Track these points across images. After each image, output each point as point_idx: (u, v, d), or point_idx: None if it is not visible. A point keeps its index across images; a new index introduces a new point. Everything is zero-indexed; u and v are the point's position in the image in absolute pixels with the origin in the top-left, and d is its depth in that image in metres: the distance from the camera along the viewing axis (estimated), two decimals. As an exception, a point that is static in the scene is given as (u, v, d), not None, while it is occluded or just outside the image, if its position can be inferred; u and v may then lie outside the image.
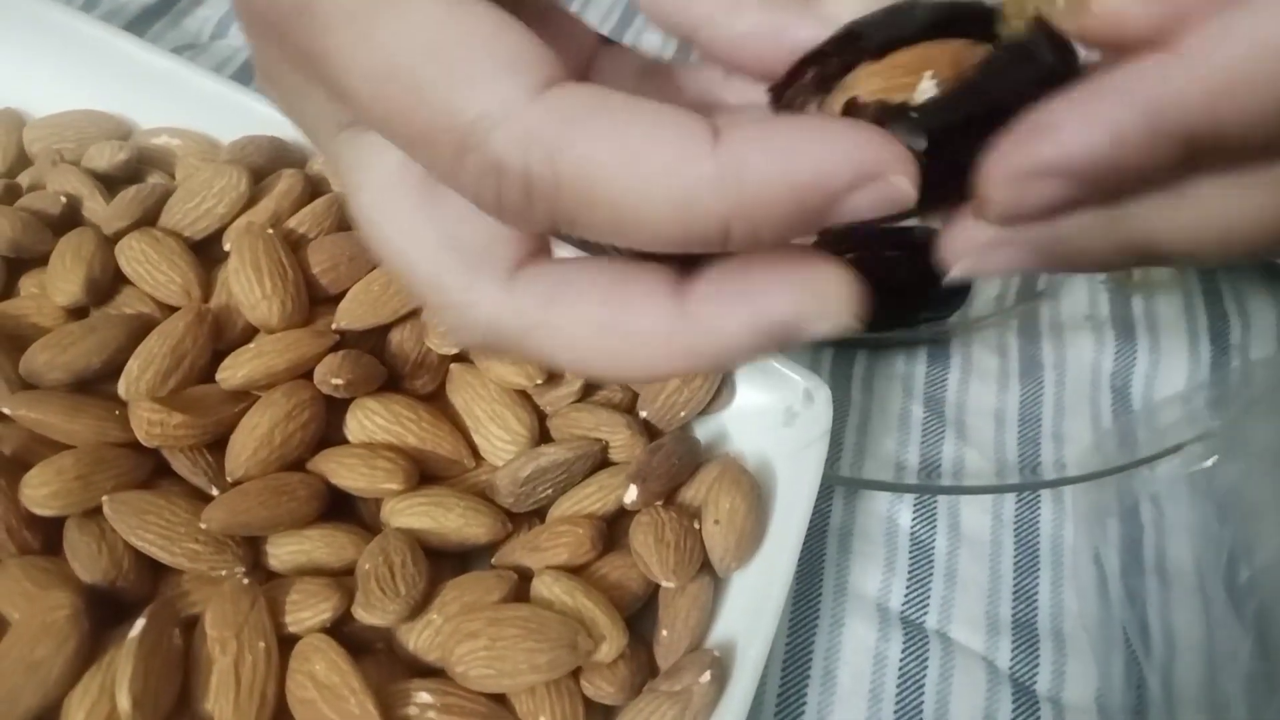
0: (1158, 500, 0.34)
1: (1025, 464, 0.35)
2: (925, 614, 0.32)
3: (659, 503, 0.28)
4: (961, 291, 0.38)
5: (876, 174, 0.14)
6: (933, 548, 0.33)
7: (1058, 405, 0.37)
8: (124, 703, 0.22)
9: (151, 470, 0.27)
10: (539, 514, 0.29)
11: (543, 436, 0.30)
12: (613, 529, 0.28)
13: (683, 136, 0.14)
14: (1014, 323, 0.40)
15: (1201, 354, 0.38)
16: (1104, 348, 0.38)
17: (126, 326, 0.28)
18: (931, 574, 0.32)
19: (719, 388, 0.31)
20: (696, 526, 0.28)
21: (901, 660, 0.30)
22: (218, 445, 0.27)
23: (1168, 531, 0.33)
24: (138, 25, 0.44)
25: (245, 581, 0.25)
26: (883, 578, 0.32)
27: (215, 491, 0.27)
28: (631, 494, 0.28)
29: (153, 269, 0.29)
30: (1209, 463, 0.33)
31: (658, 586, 0.27)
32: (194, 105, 0.35)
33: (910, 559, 0.33)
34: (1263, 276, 0.40)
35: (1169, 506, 0.34)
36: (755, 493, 0.28)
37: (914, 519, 0.33)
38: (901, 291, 0.36)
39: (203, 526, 0.25)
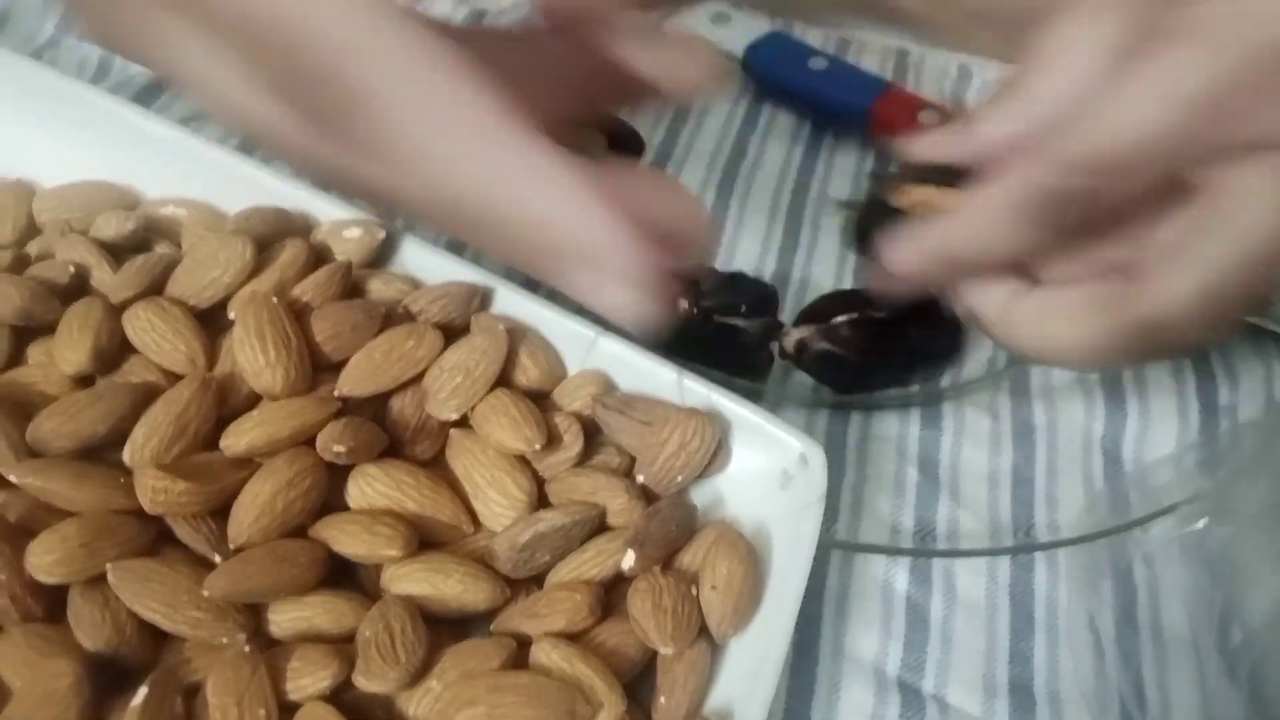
0: (1151, 562, 0.34)
1: (1019, 526, 0.35)
2: (922, 678, 0.32)
3: (656, 568, 0.28)
4: (952, 352, 0.38)
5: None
6: (928, 611, 0.33)
7: (1050, 467, 0.37)
8: (126, 771, 0.22)
9: (154, 537, 0.27)
10: (537, 580, 0.29)
11: (541, 501, 0.30)
12: (610, 594, 0.29)
13: None
14: (1005, 385, 0.40)
15: (1190, 416, 0.38)
16: (1094, 410, 0.39)
17: (132, 395, 0.29)
18: (927, 638, 0.32)
19: (715, 451, 0.31)
20: (694, 592, 0.28)
21: (899, 725, 0.31)
22: (220, 512, 0.28)
23: (1161, 593, 0.33)
24: (145, 96, 0.46)
25: (247, 649, 0.25)
26: (879, 641, 0.32)
27: (218, 558, 0.27)
28: (629, 559, 0.28)
29: (159, 338, 0.30)
30: (1200, 524, 0.33)
31: (655, 652, 0.27)
32: (200, 175, 0.36)
33: (907, 623, 0.33)
34: (1250, 338, 0.40)
35: (1162, 568, 0.34)
36: (752, 558, 0.29)
37: (910, 582, 0.34)
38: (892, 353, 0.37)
39: (205, 594, 0.25)
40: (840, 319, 0.37)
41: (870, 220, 0.32)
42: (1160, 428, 0.38)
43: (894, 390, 0.38)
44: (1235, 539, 0.29)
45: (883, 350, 0.37)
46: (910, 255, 0.28)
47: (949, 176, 0.29)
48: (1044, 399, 0.39)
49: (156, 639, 0.26)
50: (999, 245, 0.27)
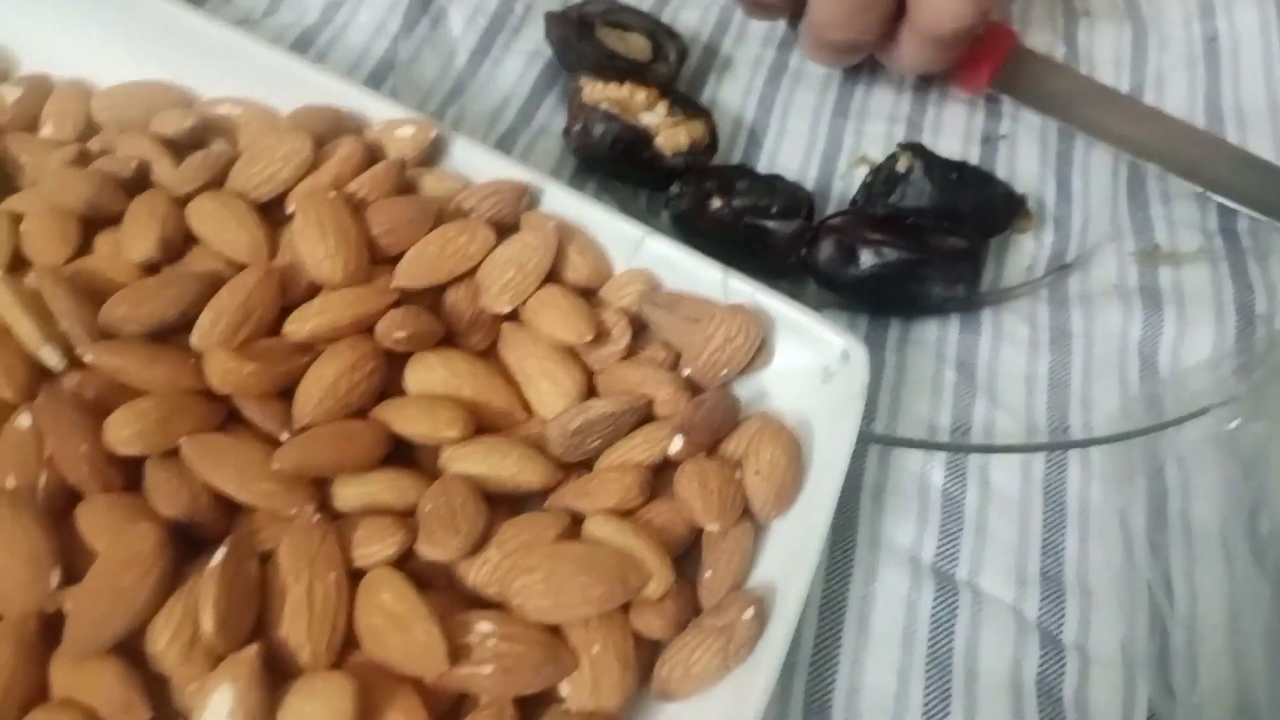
0: (1183, 462, 0.35)
1: (1054, 426, 0.36)
2: (956, 566, 0.33)
3: (702, 454, 0.30)
4: (971, 270, 0.39)
5: None
6: (963, 504, 0.34)
7: (1086, 371, 0.38)
8: (208, 624, 0.24)
9: (224, 416, 0.28)
10: (588, 464, 0.30)
11: (591, 393, 0.31)
12: (658, 478, 0.30)
13: None
14: (1044, 293, 0.41)
15: (1227, 324, 0.39)
16: (1132, 317, 0.39)
17: (199, 282, 0.30)
18: (962, 529, 0.34)
19: (759, 347, 0.32)
20: (738, 476, 0.29)
21: (934, 608, 0.32)
22: (286, 394, 0.29)
23: (1193, 492, 0.34)
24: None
25: (316, 518, 0.26)
26: (915, 531, 0.33)
27: (285, 436, 0.28)
28: (676, 444, 0.29)
29: (222, 228, 0.31)
30: (1233, 425, 0.34)
31: (701, 531, 0.29)
32: (253, 76, 0.36)
33: (942, 514, 0.34)
34: (1288, 249, 0.41)
35: (1194, 468, 0.35)
36: (794, 446, 0.30)
37: (946, 477, 0.35)
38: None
39: (275, 467, 0.27)
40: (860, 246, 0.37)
41: None
42: (1197, 334, 0.38)
43: (936, 289, 0.38)
44: (1269, 436, 0.29)
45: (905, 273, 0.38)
46: None
47: None
48: (1082, 306, 0.40)
49: (229, 510, 0.27)
50: None
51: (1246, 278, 0.40)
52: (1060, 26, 0.51)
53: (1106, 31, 0.50)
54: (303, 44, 0.45)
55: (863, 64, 0.49)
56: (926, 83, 0.48)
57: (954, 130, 0.47)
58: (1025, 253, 0.42)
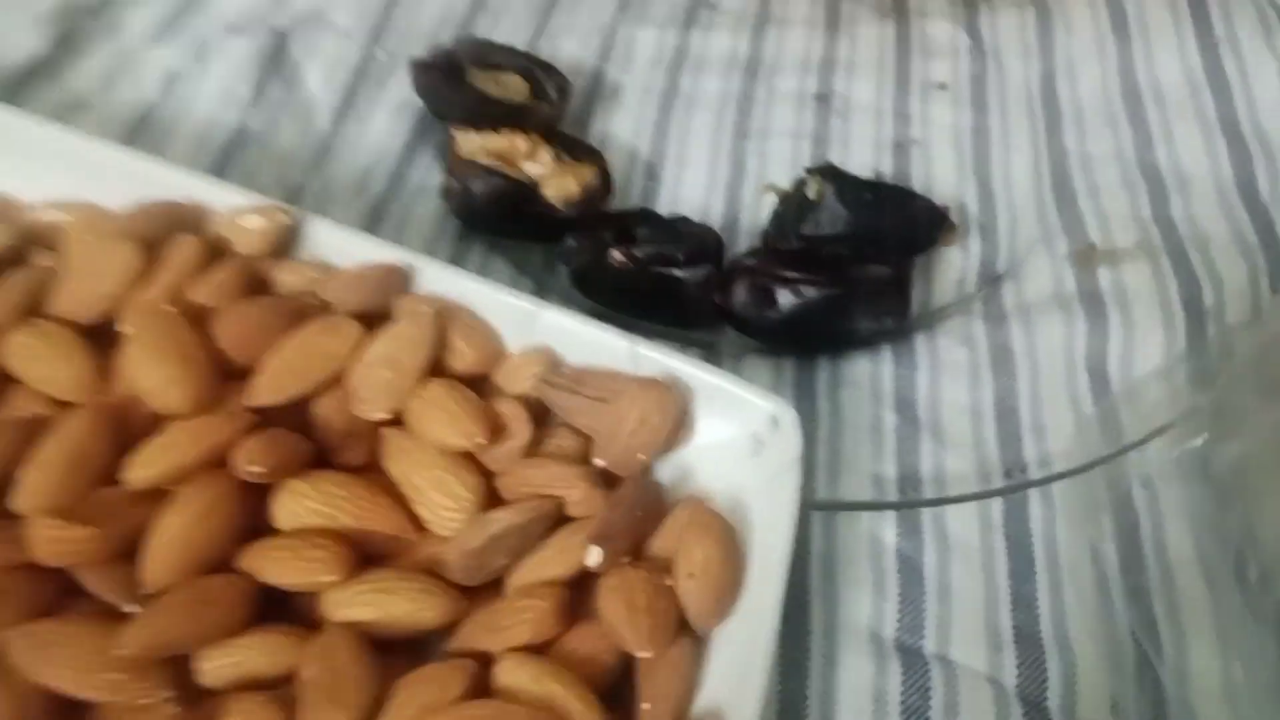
0: (1149, 484, 0.32)
1: (1008, 462, 0.33)
2: (922, 639, 0.29)
3: (626, 560, 0.26)
4: (899, 299, 0.36)
5: None
6: (921, 564, 0.31)
7: (1034, 394, 0.35)
8: None
9: (58, 591, 0.24)
10: (496, 584, 0.27)
11: (491, 499, 0.27)
12: (579, 592, 0.26)
13: None
14: (978, 308, 0.38)
15: (1176, 324, 0.36)
16: (1074, 327, 0.36)
17: (17, 432, 0.25)
18: (923, 593, 0.30)
19: (678, 423, 0.28)
20: (669, 583, 0.25)
21: (904, 694, 0.28)
22: (131, 554, 0.25)
23: (1165, 517, 0.31)
24: (16, 88, 0.41)
25: (173, 711, 0.22)
26: (873, 603, 0.30)
27: (132, 608, 0.24)
28: (594, 556, 0.25)
29: (41, 364, 0.27)
30: (1199, 441, 0.31)
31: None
32: (82, 174, 0.32)
33: (900, 579, 0.31)
34: (1230, 234, 0.38)
35: (1162, 489, 0.32)
36: (729, 537, 0.26)
37: (899, 535, 0.31)
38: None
39: (120, 654, 0.22)
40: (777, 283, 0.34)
41: None
42: (1146, 339, 0.35)
43: (863, 325, 0.35)
44: (1245, 460, 0.27)
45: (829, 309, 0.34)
46: None
47: None
48: (1020, 319, 0.37)
49: (74, 709, 0.23)
50: None
51: (1190, 269, 0.37)
52: (961, 15, 0.49)
53: (1009, 18, 0.48)
54: (143, 123, 0.40)
55: (758, 77, 0.46)
56: (827, 95, 0.45)
57: (863, 140, 0.44)
58: (954, 267, 0.39)
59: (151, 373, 0.26)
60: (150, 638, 0.23)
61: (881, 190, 0.38)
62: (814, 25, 0.48)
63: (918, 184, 0.42)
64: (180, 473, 0.25)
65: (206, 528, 0.25)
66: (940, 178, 0.42)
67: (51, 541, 0.24)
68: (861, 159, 0.43)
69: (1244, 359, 0.30)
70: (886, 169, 0.43)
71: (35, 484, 0.24)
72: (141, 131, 0.40)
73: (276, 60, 0.42)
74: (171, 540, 0.24)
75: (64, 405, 0.27)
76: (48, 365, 0.27)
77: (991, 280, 0.39)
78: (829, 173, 0.37)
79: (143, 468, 0.25)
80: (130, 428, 0.26)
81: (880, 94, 0.45)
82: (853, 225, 0.36)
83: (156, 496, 0.25)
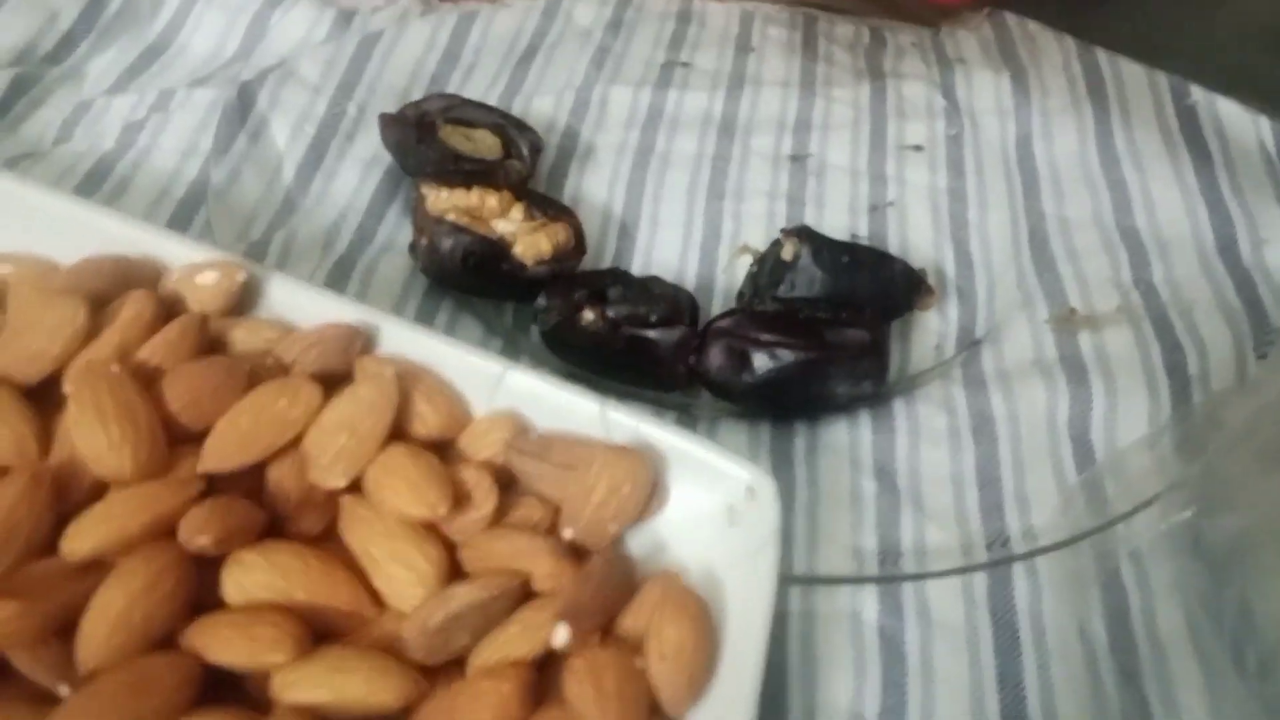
0: (1139, 558, 0.31)
1: (991, 534, 0.32)
2: (905, 722, 0.28)
3: (594, 639, 0.24)
4: (877, 364, 0.35)
5: None
6: (903, 643, 0.29)
7: (1016, 462, 0.34)
8: None
9: (-15, 673, 0.22)
10: (458, 662, 0.25)
11: (453, 572, 0.26)
12: (545, 672, 0.25)
13: None
14: (957, 374, 0.37)
15: (1160, 389, 0.35)
16: (1056, 393, 0.35)
17: (-53, 499, 0.24)
18: (906, 674, 0.29)
19: (650, 492, 0.27)
20: (640, 665, 0.24)
21: (886, 784, 0.27)
22: (67, 631, 0.23)
23: (1155, 594, 0.30)
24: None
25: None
26: (854, 684, 0.29)
27: (65, 690, 0.22)
28: (561, 635, 0.24)
29: (-23, 426, 0.25)
30: (1187, 514, 0.30)
31: (602, 741, 0.23)
32: (30, 226, 0.31)
33: (882, 659, 0.29)
34: (1213, 298, 0.38)
35: (1152, 564, 0.31)
36: (703, 616, 0.25)
37: (880, 611, 0.30)
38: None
39: (47, 744, 0.21)
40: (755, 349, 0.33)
41: None
42: (1130, 406, 0.35)
43: (841, 389, 0.34)
44: (1242, 534, 0.26)
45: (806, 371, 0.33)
46: None
47: None
48: (1000, 385, 0.36)
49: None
50: None
51: (1173, 335, 0.37)
52: (936, 77, 0.48)
53: (985, 80, 0.47)
54: (99, 175, 0.39)
55: (734, 137, 0.45)
56: (803, 156, 0.44)
57: (838, 202, 0.43)
58: (931, 331, 0.39)
59: (93, 436, 0.25)
60: (82, 725, 0.21)
61: (857, 252, 0.37)
62: (789, 85, 0.48)
63: (894, 246, 0.41)
64: (122, 543, 0.24)
65: (149, 603, 0.23)
66: (916, 240, 0.42)
67: (-22, 618, 0.22)
68: (837, 220, 0.42)
69: (1235, 427, 0.29)
70: (862, 231, 0.42)
71: (-37, 556, 0.23)
72: (98, 183, 0.39)
73: (242, 113, 0.41)
74: (111, 617, 0.23)
75: (1, 470, 0.25)
76: (-17, 428, 0.25)
77: (970, 344, 0.38)
78: (804, 234, 0.36)
79: (81, 538, 0.24)
80: (70, 495, 0.25)
81: (856, 155, 0.45)
82: (829, 287, 0.36)
83: (96, 569, 0.24)
